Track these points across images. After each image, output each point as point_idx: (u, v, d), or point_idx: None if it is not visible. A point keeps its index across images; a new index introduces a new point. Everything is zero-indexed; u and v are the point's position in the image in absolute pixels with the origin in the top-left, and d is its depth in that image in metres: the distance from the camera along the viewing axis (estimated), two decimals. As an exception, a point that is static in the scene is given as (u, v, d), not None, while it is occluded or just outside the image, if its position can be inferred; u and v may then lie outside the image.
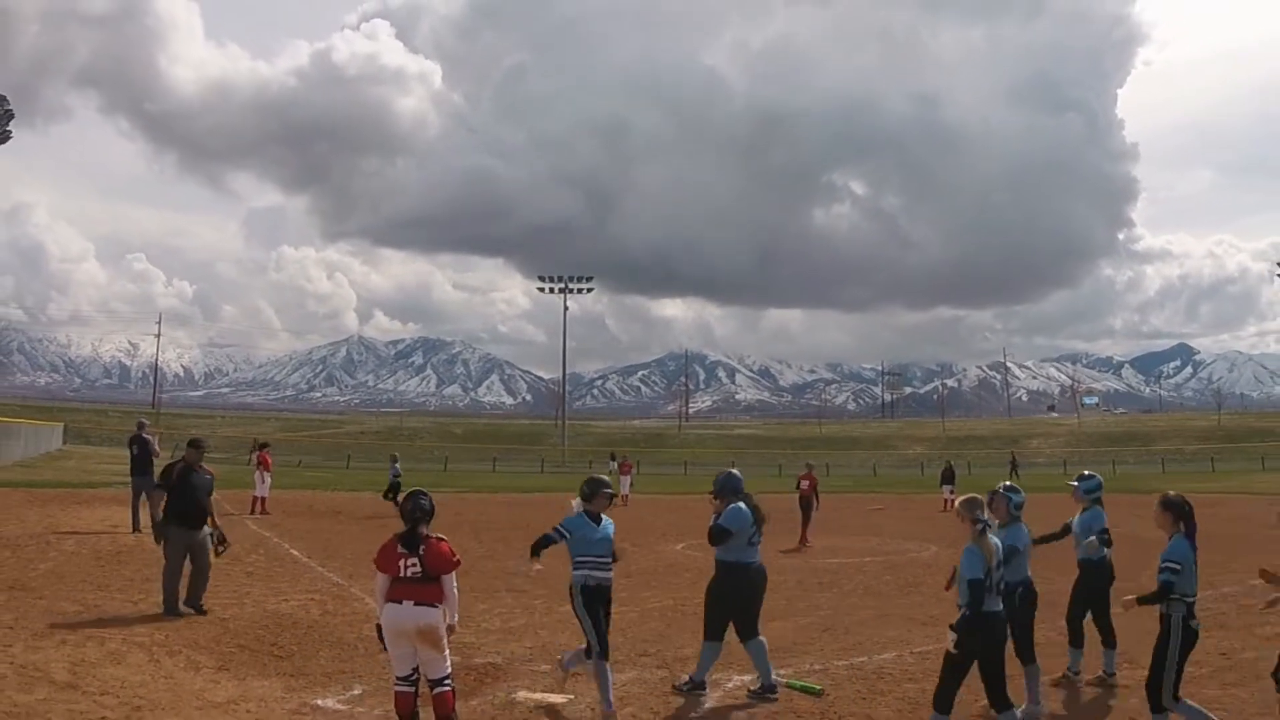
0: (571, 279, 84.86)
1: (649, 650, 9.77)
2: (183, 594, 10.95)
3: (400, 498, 7.32)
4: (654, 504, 32.81)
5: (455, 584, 6.88)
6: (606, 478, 8.31)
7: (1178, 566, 6.39)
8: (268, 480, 24.51)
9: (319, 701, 7.72)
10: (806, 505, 21.10)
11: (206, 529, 11.26)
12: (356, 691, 8.07)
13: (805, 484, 21.72)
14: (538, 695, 8.02)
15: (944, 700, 6.41)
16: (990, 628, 6.39)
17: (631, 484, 34.81)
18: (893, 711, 7.61)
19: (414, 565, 6.68)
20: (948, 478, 33.15)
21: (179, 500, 11.17)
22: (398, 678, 6.77)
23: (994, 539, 6.57)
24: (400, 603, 6.66)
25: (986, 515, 6.60)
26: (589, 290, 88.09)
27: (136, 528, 18.24)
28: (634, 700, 7.92)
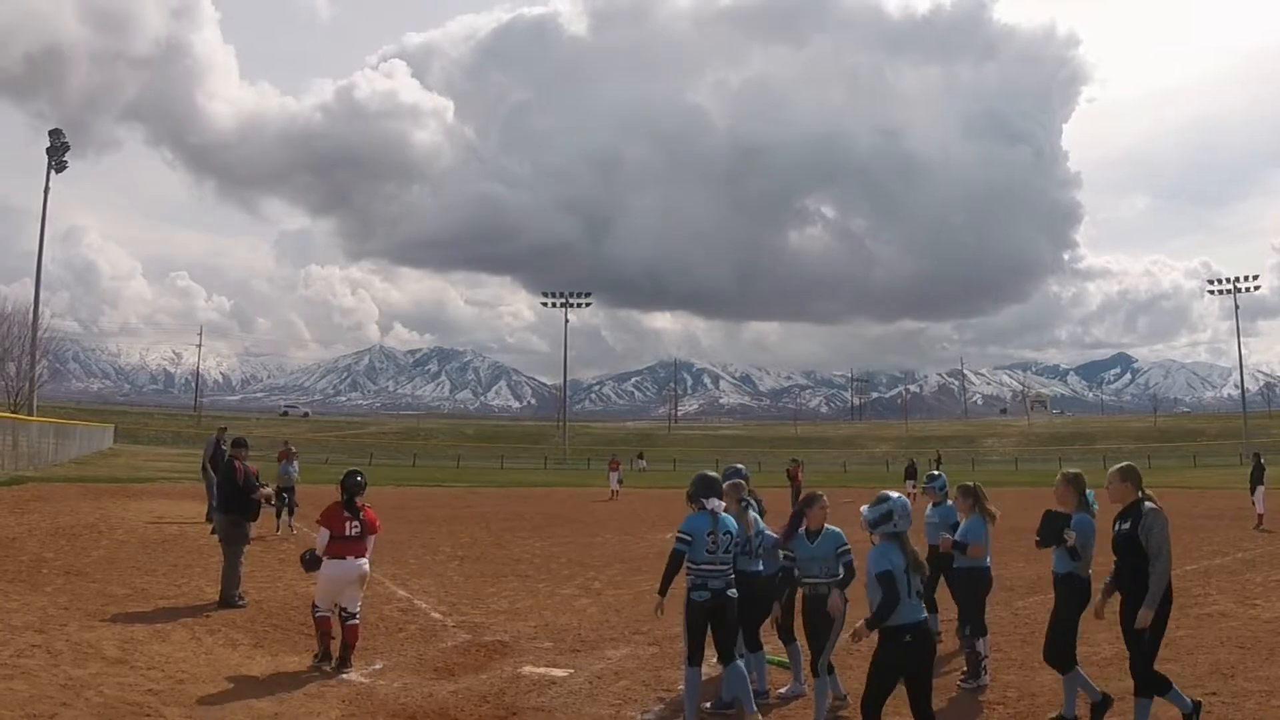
0: (571, 294, 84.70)
1: (641, 629, 9.77)
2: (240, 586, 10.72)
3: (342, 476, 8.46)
4: (645, 497, 32.79)
5: (373, 543, 8.38)
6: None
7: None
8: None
9: (343, 675, 7.73)
10: (798, 492, 22.26)
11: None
12: (377, 666, 8.08)
13: (796, 477, 22.90)
14: (541, 670, 8.03)
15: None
16: (748, 584, 6.91)
17: (620, 480, 34.79)
18: (861, 685, 7.59)
19: (355, 526, 8.09)
20: (910, 473, 33.29)
21: (240, 497, 11.02)
22: (321, 608, 8.05)
23: (753, 514, 7.30)
24: (345, 558, 7.99)
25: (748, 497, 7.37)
26: (587, 305, 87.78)
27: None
28: (629, 674, 7.92)
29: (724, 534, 6.58)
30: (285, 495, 17.59)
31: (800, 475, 23.67)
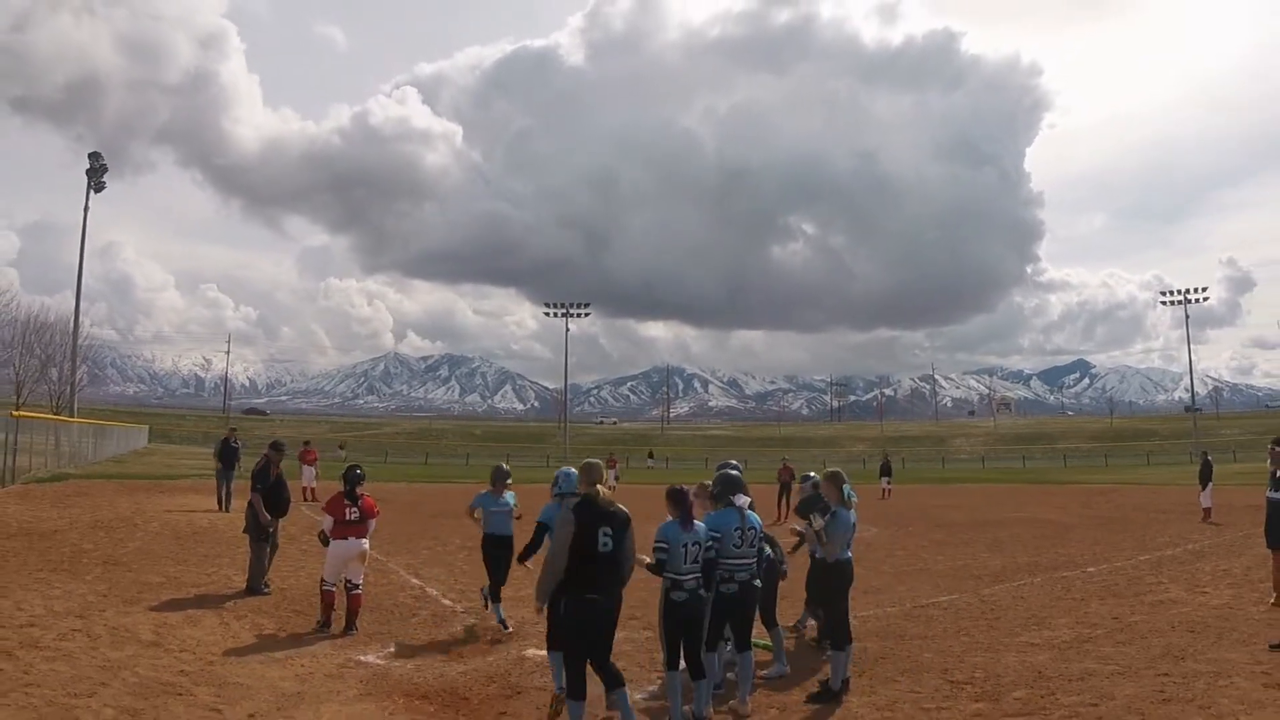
0: (572, 305, 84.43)
1: (636, 614, 9.74)
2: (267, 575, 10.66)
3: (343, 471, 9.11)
4: (639, 493, 32.70)
5: (374, 525, 9.02)
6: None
7: (666, 546, 6.11)
8: (307, 472, 24.17)
9: (361, 657, 7.72)
10: (785, 489, 22.61)
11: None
12: (392, 649, 8.08)
13: (785, 475, 22.92)
14: (544, 652, 7.99)
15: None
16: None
17: (617, 477, 34.80)
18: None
19: (354, 512, 8.78)
20: (885, 470, 33.36)
21: (272, 495, 10.84)
22: (329, 582, 8.75)
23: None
24: (347, 539, 8.70)
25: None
26: (586, 314, 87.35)
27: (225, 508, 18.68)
28: (624, 657, 7.90)
29: (750, 529, 6.42)
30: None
31: (785, 476, 23.38)
